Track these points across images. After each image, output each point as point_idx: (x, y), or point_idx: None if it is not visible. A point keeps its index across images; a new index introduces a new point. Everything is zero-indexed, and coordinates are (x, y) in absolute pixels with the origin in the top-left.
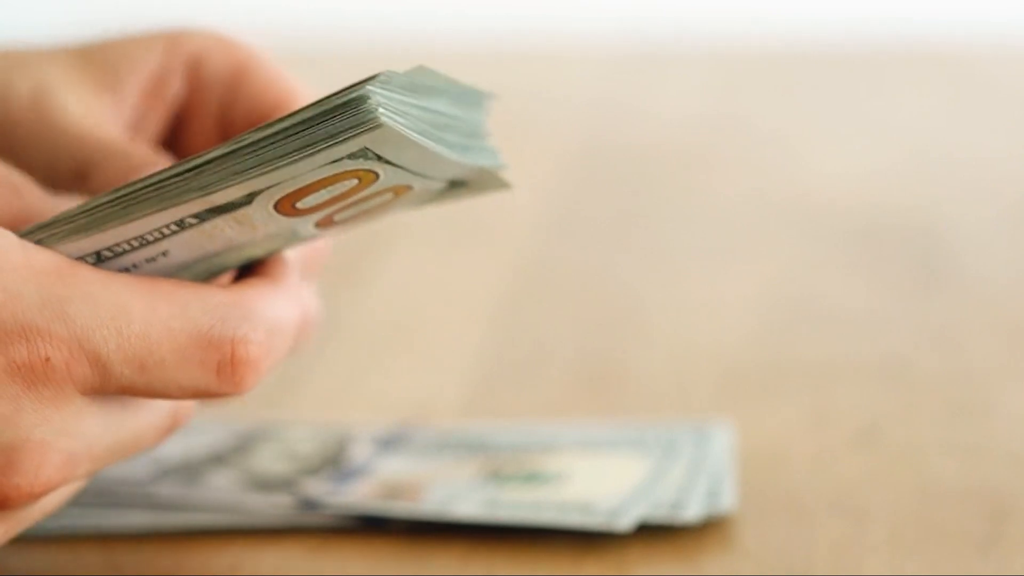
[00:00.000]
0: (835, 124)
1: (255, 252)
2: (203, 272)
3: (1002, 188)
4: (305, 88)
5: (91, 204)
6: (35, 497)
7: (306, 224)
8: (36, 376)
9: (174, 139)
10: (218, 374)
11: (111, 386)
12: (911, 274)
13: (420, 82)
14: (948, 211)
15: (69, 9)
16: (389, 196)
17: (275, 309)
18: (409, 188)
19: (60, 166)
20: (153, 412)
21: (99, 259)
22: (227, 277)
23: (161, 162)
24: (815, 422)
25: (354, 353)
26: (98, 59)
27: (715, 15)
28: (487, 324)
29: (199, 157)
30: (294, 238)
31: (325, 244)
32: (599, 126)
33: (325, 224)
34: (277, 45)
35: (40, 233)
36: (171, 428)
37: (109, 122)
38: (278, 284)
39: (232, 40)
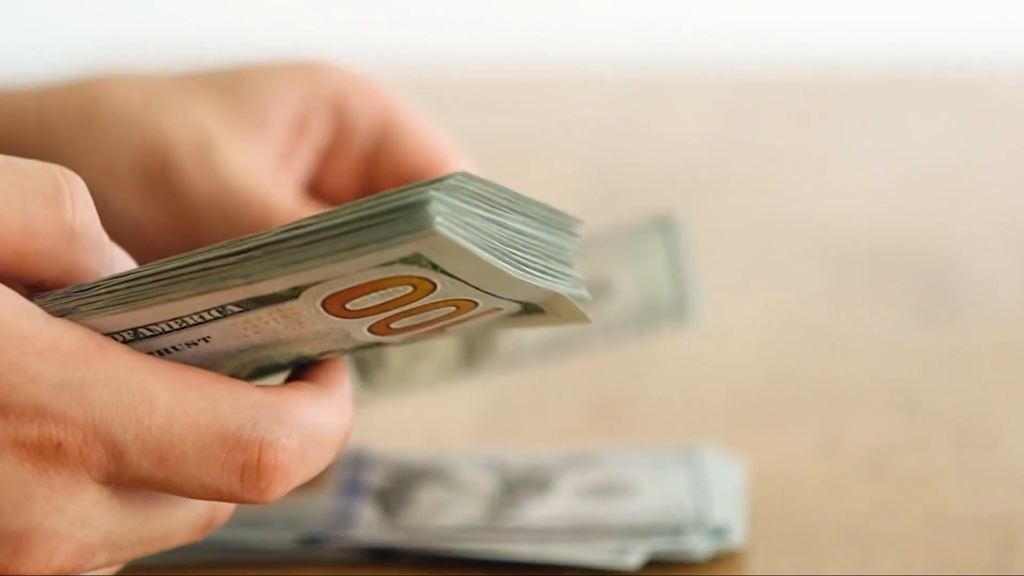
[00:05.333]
0: (845, 149)
1: (305, 350)
2: (250, 364)
3: (1013, 214)
4: (455, 148)
5: (133, 275)
6: None
7: (359, 328)
8: (47, 461)
9: (318, 183)
10: (242, 478)
11: (127, 477)
12: (921, 300)
13: (498, 193)
14: (958, 237)
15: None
16: (451, 309)
17: (316, 416)
18: (473, 304)
19: (221, 222)
20: (187, 508)
21: (137, 337)
22: (279, 378)
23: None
24: (825, 450)
25: None
26: (246, 99)
27: (725, 39)
28: None
29: (247, 241)
30: (348, 340)
31: None
32: (608, 150)
33: (380, 331)
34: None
35: (77, 299)
36: (208, 525)
37: (269, 176)
38: (325, 390)
39: (375, 85)
